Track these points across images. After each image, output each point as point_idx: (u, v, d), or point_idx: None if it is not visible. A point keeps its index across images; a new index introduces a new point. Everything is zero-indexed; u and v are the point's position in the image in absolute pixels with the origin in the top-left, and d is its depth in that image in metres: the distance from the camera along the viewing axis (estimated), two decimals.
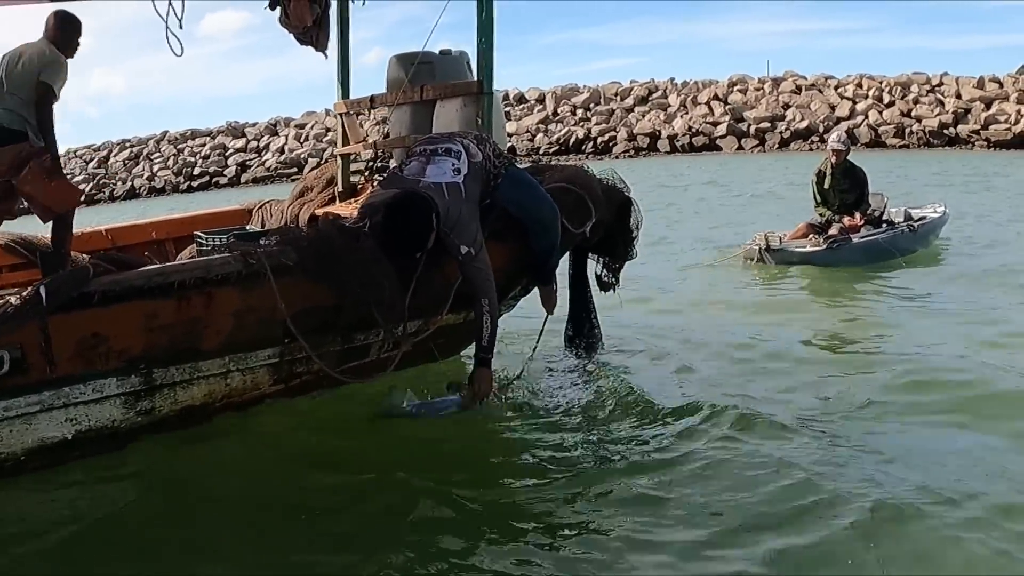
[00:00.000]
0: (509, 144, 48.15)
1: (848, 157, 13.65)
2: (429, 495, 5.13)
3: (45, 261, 6.69)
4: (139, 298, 5.33)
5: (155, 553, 4.70)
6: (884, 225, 13.37)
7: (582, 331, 7.91)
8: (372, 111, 8.90)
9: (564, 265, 7.56)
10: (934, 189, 22.34)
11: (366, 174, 8.77)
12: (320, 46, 8.37)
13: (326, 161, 9.14)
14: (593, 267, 7.73)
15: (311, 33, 8.25)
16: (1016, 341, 8.07)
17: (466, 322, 6.57)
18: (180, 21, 7.74)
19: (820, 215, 13.50)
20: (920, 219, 13.96)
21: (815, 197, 13.69)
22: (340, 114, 8.94)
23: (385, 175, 7.07)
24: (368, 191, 8.28)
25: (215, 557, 4.66)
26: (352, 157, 8.86)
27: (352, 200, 8.40)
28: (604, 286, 7.72)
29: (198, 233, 7.19)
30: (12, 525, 5.05)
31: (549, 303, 7.18)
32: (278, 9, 8.15)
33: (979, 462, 5.40)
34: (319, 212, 8.28)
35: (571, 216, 6.81)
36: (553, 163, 8.31)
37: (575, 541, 4.70)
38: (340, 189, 8.73)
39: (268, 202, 9.04)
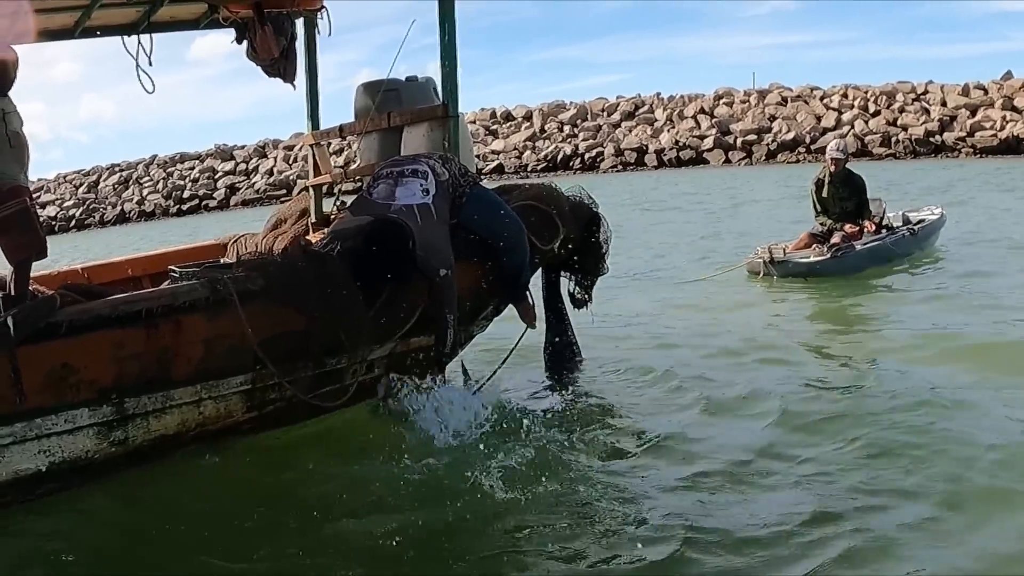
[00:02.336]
0: (497, 162, 48.47)
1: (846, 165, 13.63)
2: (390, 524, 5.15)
3: (4, 305, 6.72)
4: (107, 327, 5.35)
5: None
6: (884, 230, 13.41)
7: (561, 350, 7.97)
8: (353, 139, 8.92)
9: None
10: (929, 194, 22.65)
11: (338, 204, 8.82)
12: (288, 78, 8.40)
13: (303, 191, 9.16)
14: (566, 285, 7.77)
15: (279, 65, 8.28)
16: None
17: None
18: (149, 58, 7.85)
19: (821, 224, 13.44)
20: (919, 222, 14.05)
21: (815, 206, 13.65)
22: (310, 145, 9.00)
23: (354, 200, 7.12)
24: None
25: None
26: (323, 187, 8.90)
27: (325, 230, 8.42)
28: (577, 303, 7.79)
29: (172, 268, 7.21)
30: None
31: (528, 317, 7.26)
32: (245, 43, 8.21)
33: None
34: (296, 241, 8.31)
35: (539, 233, 6.88)
36: (518, 183, 8.27)
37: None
38: (314, 219, 8.75)
39: (243, 236, 9.05)
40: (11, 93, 6.97)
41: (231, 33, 8.32)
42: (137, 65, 7.96)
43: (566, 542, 4.87)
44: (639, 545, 4.74)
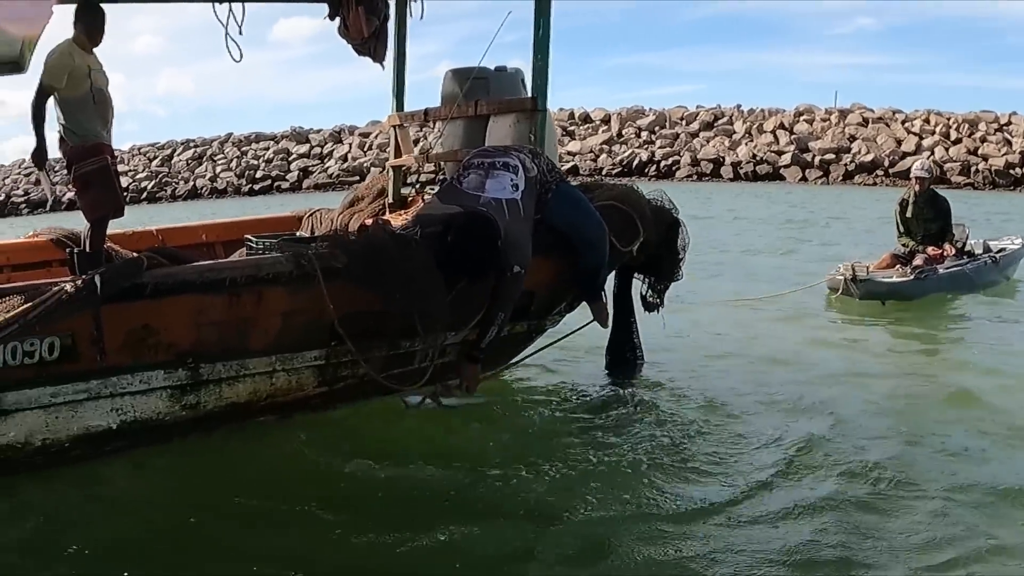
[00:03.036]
0: (572, 164, 48.34)
1: (931, 186, 13.37)
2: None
3: (80, 261, 6.80)
4: (190, 292, 5.39)
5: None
6: (966, 256, 13.12)
7: (623, 351, 7.96)
8: (435, 125, 8.91)
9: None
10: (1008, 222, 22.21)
11: (416, 187, 8.82)
12: (378, 58, 8.42)
13: (382, 171, 9.17)
14: (638, 287, 7.76)
15: (369, 45, 8.30)
16: None
17: (512, 334, 6.61)
18: (240, 27, 7.87)
19: (904, 245, 13.13)
20: (1000, 250, 13.70)
21: (898, 227, 13.35)
22: (393, 126, 9.00)
23: (441, 186, 7.11)
24: (418, 203, 8.33)
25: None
26: (404, 169, 8.91)
27: (402, 211, 8.44)
28: (648, 306, 7.76)
29: (248, 237, 7.24)
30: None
31: (601, 317, 7.28)
32: (337, 20, 8.23)
33: None
34: (368, 223, 8.32)
35: (619, 234, 6.87)
36: (602, 181, 8.23)
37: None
38: (391, 200, 8.77)
39: (318, 210, 9.09)
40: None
41: (315, 16, 8.35)
42: (227, 33, 7.96)
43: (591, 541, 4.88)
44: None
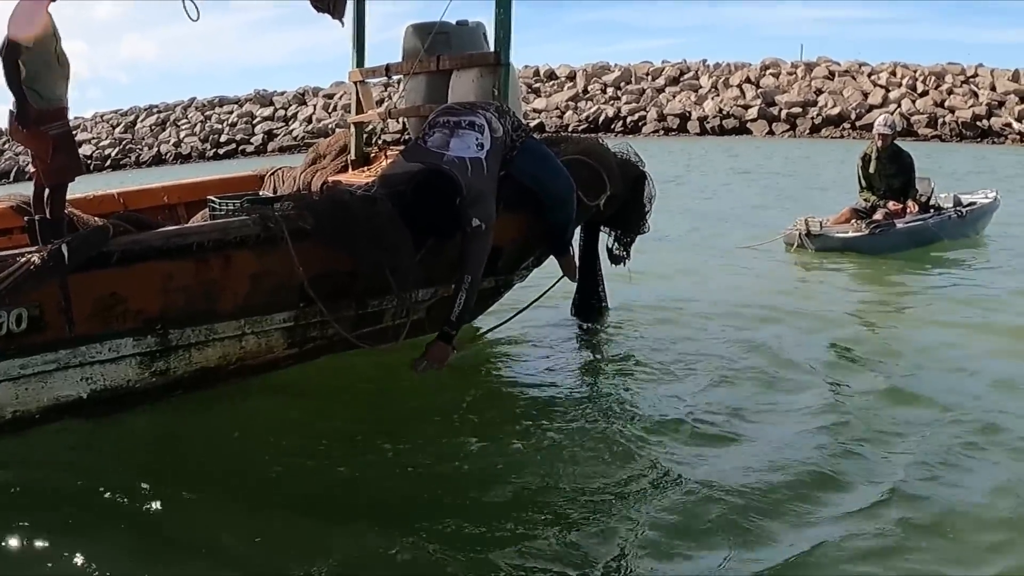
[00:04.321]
0: (538, 121, 48.23)
1: (894, 141, 13.30)
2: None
3: (42, 228, 6.74)
4: (157, 259, 5.34)
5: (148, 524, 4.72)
6: (931, 210, 13.09)
7: (589, 303, 8.09)
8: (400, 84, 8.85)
9: None
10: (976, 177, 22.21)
11: (379, 143, 8.78)
12: (337, 13, 8.32)
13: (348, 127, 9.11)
14: (604, 240, 7.80)
15: (327, 1, 8.22)
16: None
17: (480, 290, 6.60)
18: None
19: (865, 200, 13.16)
20: (969, 205, 13.67)
21: (860, 182, 13.37)
22: (355, 82, 8.93)
23: (407, 145, 7.08)
24: (382, 160, 8.30)
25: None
26: (366, 125, 8.85)
27: (365, 168, 8.41)
28: (615, 259, 7.80)
29: (211, 198, 7.18)
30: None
31: (570, 271, 7.37)
32: None
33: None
34: (331, 180, 8.28)
35: (586, 189, 6.86)
36: (568, 135, 8.25)
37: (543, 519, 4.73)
38: (353, 157, 8.72)
39: (280, 169, 9.05)
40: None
41: None
42: None
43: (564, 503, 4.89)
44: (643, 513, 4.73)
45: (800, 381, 6.70)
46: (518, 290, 7.64)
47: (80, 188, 7.49)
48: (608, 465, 5.21)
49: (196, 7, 7.49)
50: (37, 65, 6.78)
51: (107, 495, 4.88)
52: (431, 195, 5.93)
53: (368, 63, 8.81)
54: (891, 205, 12.84)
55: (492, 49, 7.42)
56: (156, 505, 4.80)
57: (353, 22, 8.72)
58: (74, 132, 7.15)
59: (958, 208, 13.26)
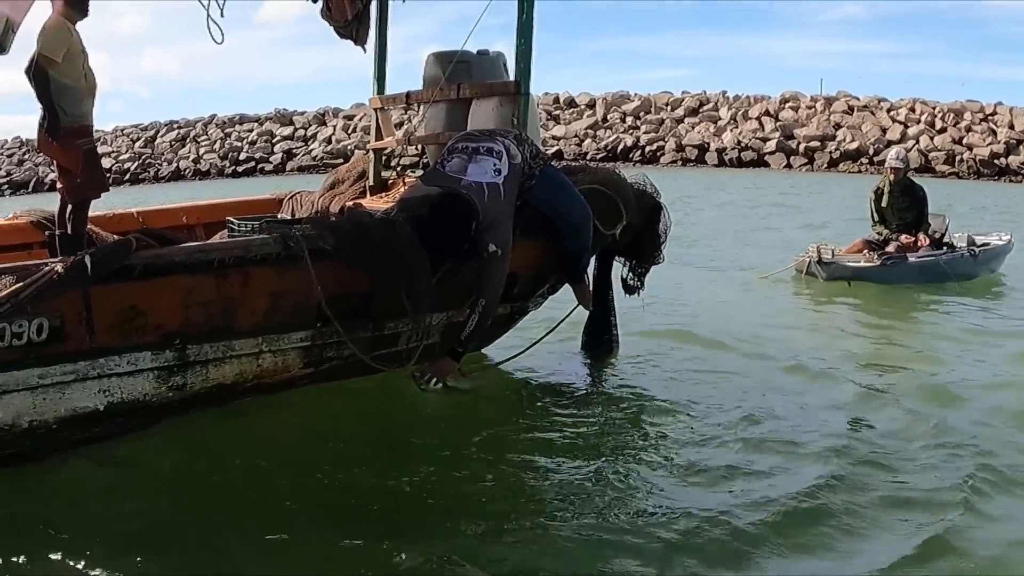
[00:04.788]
0: (557, 148, 48.37)
1: (907, 175, 13.35)
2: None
3: (62, 243, 6.81)
4: (179, 273, 5.40)
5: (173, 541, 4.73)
6: (944, 247, 13.08)
7: (600, 334, 8.04)
8: (419, 108, 8.92)
9: None
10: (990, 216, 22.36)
11: (398, 169, 8.85)
12: (359, 40, 8.45)
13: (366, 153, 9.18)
14: (619, 270, 7.83)
15: (351, 27, 8.34)
16: None
17: (496, 316, 6.64)
18: (222, 9, 7.85)
19: (878, 233, 13.17)
20: (983, 245, 13.59)
21: (872, 215, 13.40)
22: (375, 109, 9.01)
23: (426, 170, 7.15)
24: (400, 186, 8.37)
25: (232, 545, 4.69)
26: (385, 151, 8.92)
27: (383, 194, 8.47)
28: (629, 290, 7.83)
29: (230, 219, 7.25)
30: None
31: (584, 299, 7.40)
32: (320, 2, 8.24)
33: None
34: (350, 205, 8.35)
35: (602, 218, 6.92)
36: (585, 164, 8.29)
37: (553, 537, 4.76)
38: (371, 183, 8.78)
39: (299, 193, 9.11)
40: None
41: None
42: (208, 15, 7.94)
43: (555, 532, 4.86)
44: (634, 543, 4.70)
45: (806, 420, 6.63)
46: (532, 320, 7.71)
47: (99, 202, 7.55)
48: (607, 502, 5.15)
49: (221, 30, 7.58)
50: (66, 83, 6.86)
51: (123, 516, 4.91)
52: (447, 218, 6.02)
53: (388, 85, 8.90)
54: (903, 238, 12.85)
55: (512, 78, 7.49)
56: (172, 525, 4.84)
57: (375, 49, 8.81)
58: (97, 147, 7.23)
59: (971, 248, 13.18)
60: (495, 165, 6.34)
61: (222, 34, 7.76)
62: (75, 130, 6.96)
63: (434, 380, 6.39)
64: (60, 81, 6.83)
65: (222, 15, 7.77)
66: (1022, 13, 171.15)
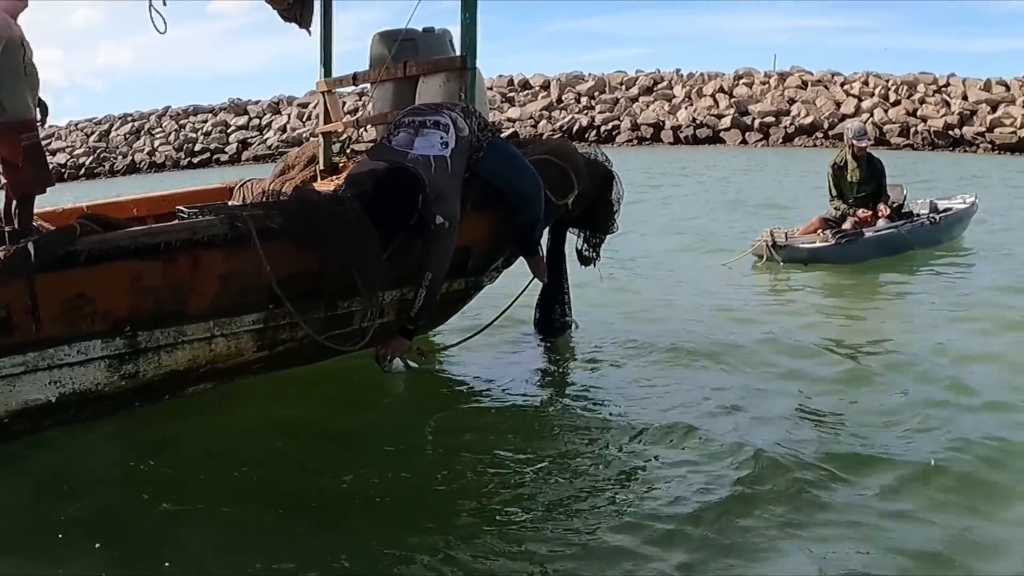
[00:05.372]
0: (512, 130, 48.36)
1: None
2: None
3: (10, 238, 6.72)
4: (125, 258, 5.32)
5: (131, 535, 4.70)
6: (904, 217, 13.01)
7: (553, 309, 8.00)
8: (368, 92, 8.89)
9: None
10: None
11: (347, 152, 8.80)
12: (304, 23, 8.40)
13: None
14: (573, 242, 7.81)
15: (294, 10, 8.28)
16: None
17: (450, 292, 6.61)
18: None
19: (836, 209, 13.00)
20: (945, 210, 13.57)
21: (830, 190, 13.16)
22: (322, 92, 8.97)
23: (373, 145, 7.11)
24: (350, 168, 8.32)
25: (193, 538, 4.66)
26: (335, 136, 8.87)
27: (334, 178, 8.41)
28: (584, 260, 7.80)
29: (180, 208, 7.17)
30: None
31: (539, 271, 7.37)
32: None
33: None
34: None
35: (554, 188, 6.88)
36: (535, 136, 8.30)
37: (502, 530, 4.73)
38: (321, 167, 8.74)
39: (249, 180, 9.06)
40: (30, 38, 6.99)
41: None
42: (151, 4, 7.87)
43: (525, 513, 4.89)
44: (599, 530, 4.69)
45: (761, 401, 6.56)
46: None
47: (54, 197, 7.49)
48: (563, 496, 5.08)
49: (164, 19, 7.50)
50: (3, 76, 6.76)
51: (82, 510, 4.87)
52: (394, 192, 5.97)
53: (342, 70, 8.85)
54: (860, 213, 12.71)
55: (458, 55, 7.46)
56: (131, 518, 4.80)
57: (320, 32, 8.76)
58: (47, 142, 7.13)
59: (931, 215, 13.17)
60: (442, 138, 6.31)
61: (165, 24, 7.69)
62: (16, 124, 6.86)
63: (393, 360, 6.38)
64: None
65: (164, 3, 7.71)
66: None
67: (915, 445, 5.61)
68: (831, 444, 5.64)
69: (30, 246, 4.95)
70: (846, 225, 12.63)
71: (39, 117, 7.17)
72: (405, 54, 7.97)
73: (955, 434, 5.77)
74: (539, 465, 5.44)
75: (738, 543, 4.47)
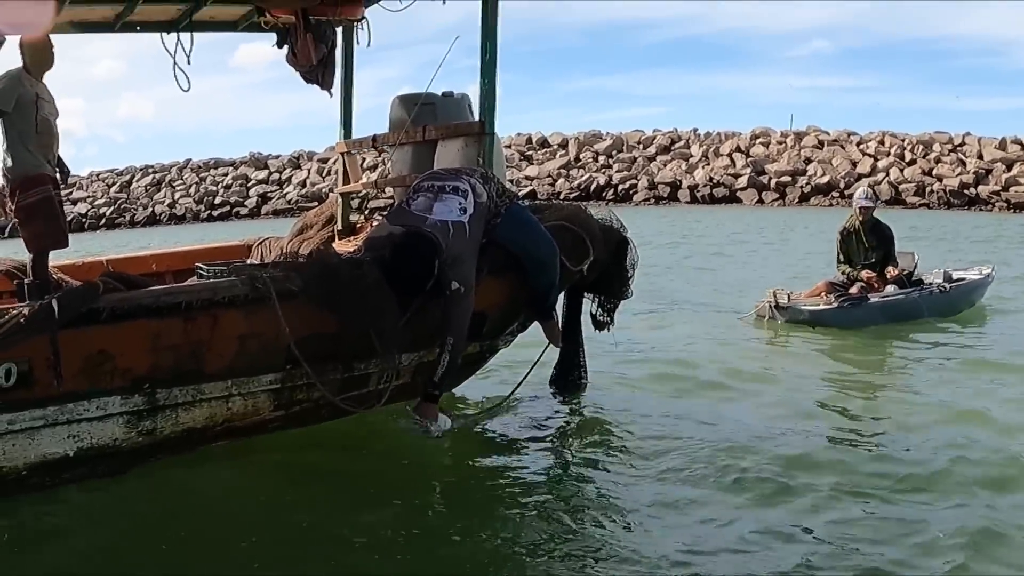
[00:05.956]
0: (530, 188, 48.52)
1: (874, 214, 13.10)
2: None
3: (29, 290, 6.77)
4: (146, 317, 5.40)
5: None
6: (914, 285, 12.79)
7: (569, 371, 7.99)
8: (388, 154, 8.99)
9: None
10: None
11: (365, 213, 8.88)
12: (325, 85, 8.51)
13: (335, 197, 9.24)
14: (588, 306, 7.83)
15: (316, 72, 8.39)
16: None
17: (465, 355, 6.66)
18: (188, 57, 7.93)
19: (843, 273, 12.90)
20: (958, 280, 13.33)
21: (839, 256, 13.09)
22: (341, 153, 9.07)
23: (391, 209, 7.19)
24: (368, 229, 8.39)
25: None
26: (353, 195, 8.97)
27: (352, 238, 8.50)
28: (599, 325, 7.83)
29: (200, 265, 7.26)
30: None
31: (553, 336, 7.40)
32: (285, 47, 8.30)
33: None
34: (318, 248, 8.37)
35: (569, 254, 6.94)
36: (551, 201, 8.37)
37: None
38: (339, 227, 8.82)
39: (268, 238, 9.12)
40: (52, 88, 7.07)
41: (271, 39, 8.39)
42: (175, 63, 8.02)
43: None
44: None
45: (767, 465, 6.48)
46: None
47: (74, 246, 7.52)
48: (577, 547, 5.13)
49: (188, 77, 7.64)
50: (14, 132, 6.82)
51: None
52: (411, 256, 6.06)
53: (362, 127, 8.97)
54: (864, 275, 12.61)
55: (476, 119, 7.56)
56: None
57: (341, 94, 8.88)
58: (67, 191, 7.19)
59: (942, 284, 12.95)
60: (460, 204, 6.37)
61: (188, 82, 7.86)
62: (25, 181, 6.91)
63: (431, 426, 6.41)
64: (11, 128, 6.80)
65: (188, 63, 7.87)
66: (988, 44, 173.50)
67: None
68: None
69: (54, 303, 5.02)
70: (853, 290, 12.50)
71: (57, 174, 7.23)
72: (424, 118, 8.07)
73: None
74: (545, 522, 5.47)
75: None
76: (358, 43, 8.77)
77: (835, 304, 12.18)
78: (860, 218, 12.94)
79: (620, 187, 52.52)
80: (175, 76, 7.83)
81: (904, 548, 5.03)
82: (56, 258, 7.32)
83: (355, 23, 8.68)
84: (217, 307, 5.60)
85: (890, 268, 12.70)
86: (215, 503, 5.64)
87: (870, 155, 50.40)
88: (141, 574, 4.74)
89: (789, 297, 12.49)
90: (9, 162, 6.85)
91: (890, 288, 12.60)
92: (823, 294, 12.54)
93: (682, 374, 9.20)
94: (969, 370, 9.71)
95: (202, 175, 59.95)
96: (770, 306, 12.33)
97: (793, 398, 8.38)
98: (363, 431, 6.75)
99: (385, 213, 7.64)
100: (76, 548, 5.02)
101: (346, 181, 8.99)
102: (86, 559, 4.90)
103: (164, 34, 8.21)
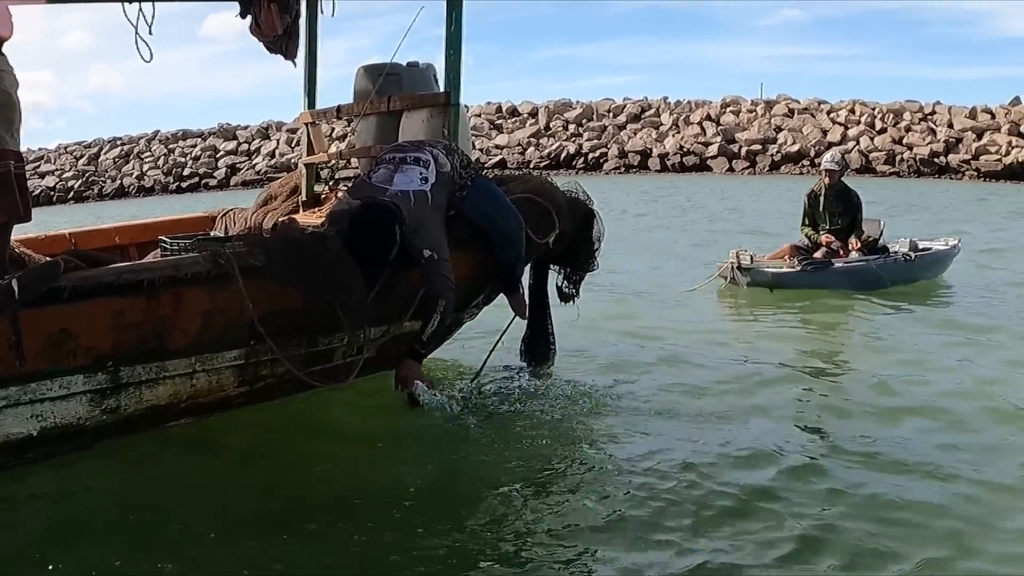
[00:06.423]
0: (500, 157, 48.42)
1: (843, 179, 13.22)
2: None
3: None
4: (109, 295, 5.35)
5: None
6: (879, 252, 12.90)
7: (539, 345, 8.01)
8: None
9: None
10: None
11: (329, 184, 8.83)
12: (289, 55, 8.41)
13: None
14: (553, 278, 7.86)
15: (280, 42, 8.29)
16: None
17: None
18: (150, 27, 7.80)
19: (806, 236, 13.07)
20: (923, 250, 13.43)
21: (804, 219, 13.23)
22: (306, 123, 9.01)
23: (353, 182, 7.17)
24: (333, 200, 8.35)
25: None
26: (319, 166, 8.91)
27: (316, 209, 8.44)
28: (564, 297, 7.86)
29: (163, 238, 7.19)
30: None
31: (520, 309, 7.43)
32: (249, 17, 8.19)
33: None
34: (282, 220, 8.31)
35: (535, 226, 6.94)
36: (517, 173, 8.34)
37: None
38: (304, 198, 8.76)
39: (231, 210, 9.05)
40: (16, 60, 6.92)
41: (237, 8, 8.28)
42: (136, 32, 7.90)
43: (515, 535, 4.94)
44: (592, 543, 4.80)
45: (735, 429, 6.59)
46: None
47: (40, 220, 7.44)
48: (545, 526, 5.08)
49: (150, 48, 7.52)
50: None
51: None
52: (371, 226, 6.06)
53: (330, 97, 8.88)
54: (824, 238, 12.78)
55: (442, 90, 7.52)
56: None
57: (305, 64, 8.79)
58: (36, 165, 7.08)
59: (907, 253, 13.06)
60: (421, 174, 6.41)
61: (151, 53, 7.72)
62: None
63: (417, 388, 6.37)
64: None
65: (150, 32, 7.74)
66: (960, 14, 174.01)
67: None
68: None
69: (14, 283, 4.97)
70: (818, 254, 12.69)
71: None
72: (389, 88, 8.01)
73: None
74: (514, 500, 5.41)
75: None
76: (322, 12, 8.67)
77: (798, 267, 12.31)
78: (827, 181, 13.07)
79: (590, 156, 52.85)
80: (137, 47, 7.69)
81: (876, 523, 5.01)
82: (20, 232, 7.23)
83: None
84: (180, 284, 5.56)
85: (853, 239, 12.80)
86: (182, 480, 5.60)
87: (840, 124, 50.94)
88: (104, 552, 4.70)
89: (752, 259, 12.56)
90: None
91: (854, 255, 12.70)
92: (787, 257, 12.68)
93: (634, 351, 9.09)
94: (928, 340, 9.77)
95: (171, 147, 59.97)
96: (732, 267, 12.43)
97: (751, 369, 8.38)
98: (336, 412, 6.75)
99: (347, 188, 7.61)
100: (36, 530, 4.96)
101: (311, 152, 8.92)
102: (52, 540, 4.84)
103: (126, 3, 8.08)
